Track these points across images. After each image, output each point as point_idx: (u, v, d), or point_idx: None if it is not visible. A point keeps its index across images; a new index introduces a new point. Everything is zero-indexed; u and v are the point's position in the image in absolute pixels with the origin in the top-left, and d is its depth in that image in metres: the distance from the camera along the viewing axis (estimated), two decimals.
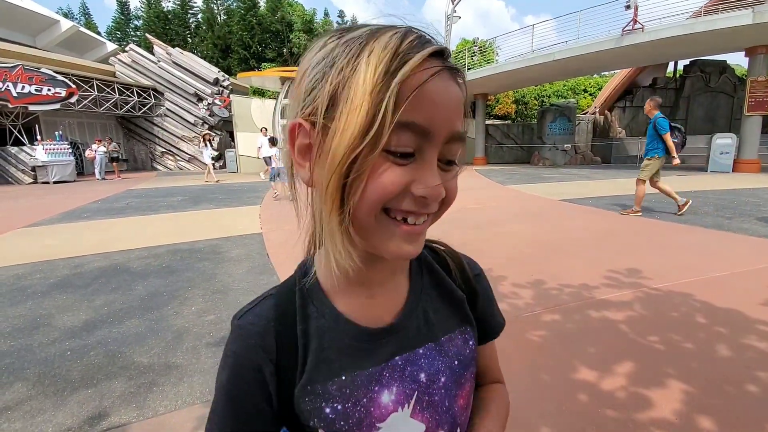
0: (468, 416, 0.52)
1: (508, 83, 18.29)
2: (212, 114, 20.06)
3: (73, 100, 16.10)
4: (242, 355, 0.43)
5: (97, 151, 15.92)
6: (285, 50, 37.43)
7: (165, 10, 40.10)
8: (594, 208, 6.88)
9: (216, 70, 20.94)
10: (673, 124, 5.82)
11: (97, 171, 16.10)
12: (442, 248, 0.56)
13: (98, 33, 34.67)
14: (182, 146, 20.67)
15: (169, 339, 2.62)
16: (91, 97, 17.24)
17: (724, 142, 11.90)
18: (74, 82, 16.24)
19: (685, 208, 5.99)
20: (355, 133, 0.33)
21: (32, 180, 15.01)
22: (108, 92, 18.08)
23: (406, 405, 0.44)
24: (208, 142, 14.01)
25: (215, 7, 39.72)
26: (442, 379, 0.47)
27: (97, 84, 17.57)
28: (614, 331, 2.55)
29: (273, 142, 10.29)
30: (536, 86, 25.84)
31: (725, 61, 17.74)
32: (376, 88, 0.33)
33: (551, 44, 15.23)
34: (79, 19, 42.47)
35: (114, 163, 16.52)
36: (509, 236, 5.15)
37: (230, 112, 18.56)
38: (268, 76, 15.77)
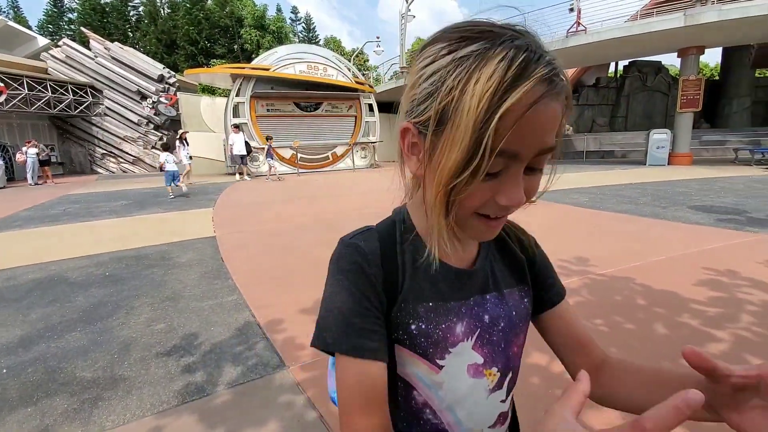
0: (519, 362, 0.59)
1: None
2: (158, 113, 18.96)
3: (1, 99, 14.72)
4: (362, 263, 0.51)
5: (28, 153, 14.61)
6: (236, 46, 36.07)
7: (102, 2, 37.37)
8: (543, 202, 7.20)
9: (160, 66, 19.78)
10: None
11: (29, 175, 14.78)
12: (514, 227, 0.64)
13: (29, 27, 31.77)
14: (125, 147, 19.38)
15: (114, 351, 2.45)
16: (21, 96, 15.77)
17: (659, 137, 12.87)
18: (2, 80, 14.83)
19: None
20: (457, 161, 0.40)
21: None
22: (40, 90, 16.60)
23: (471, 338, 0.53)
24: (184, 141, 13.16)
25: (158, 0, 37.57)
26: (501, 324, 0.55)
27: (27, 82, 16.08)
28: None
29: (165, 147, 9.93)
30: None
31: (660, 61, 19.17)
32: (478, 120, 0.37)
33: None
34: (7, 12, 38.73)
35: (45, 167, 15.22)
36: None
37: (178, 110, 17.66)
38: (218, 73, 15.10)
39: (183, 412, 1.86)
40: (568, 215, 6.02)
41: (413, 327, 0.51)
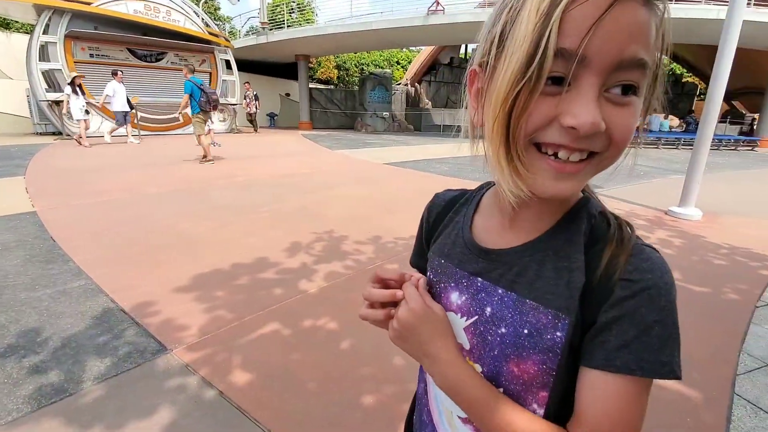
0: (519, 391, 0.45)
1: (330, 47, 18.35)
2: None
3: None
4: (427, 207, 0.64)
5: None
6: None
7: None
8: (414, 171, 7.78)
9: None
10: (203, 87, 7.33)
11: None
12: (621, 227, 0.44)
13: None
14: None
15: None
16: None
17: None
18: None
19: (207, 163, 7.74)
20: (516, 67, 0.34)
21: None
22: None
23: (466, 318, 0.50)
24: (78, 88, 9.82)
25: None
26: (502, 330, 0.45)
27: None
28: None
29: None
30: (355, 53, 26.75)
31: None
32: (540, 20, 0.33)
33: (368, 12, 15.82)
34: None
35: None
36: (344, 198, 5.39)
37: None
38: (15, 1, 11.53)
39: (43, 417, 1.54)
40: (437, 183, 6.64)
41: (430, 273, 0.56)
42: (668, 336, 0.38)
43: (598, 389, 0.40)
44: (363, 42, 16.98)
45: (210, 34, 14.09)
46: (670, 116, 15.05)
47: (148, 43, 12.84)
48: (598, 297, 0.41)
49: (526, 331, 0.43)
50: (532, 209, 0.45)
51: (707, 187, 5.98)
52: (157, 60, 13.47)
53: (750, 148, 14.25)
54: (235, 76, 15.20)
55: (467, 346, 0.49)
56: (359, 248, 3.49)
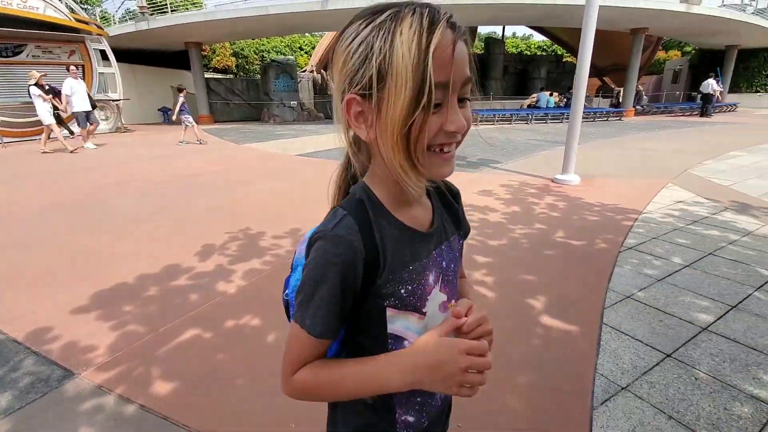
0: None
1: (224, 34, 17.19)
2: None
3: None
4: (345, 254, 0.54)
5: None
6: None
7: None
8: (327, 160, 7.77)
9: None
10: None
11: None
12: (446, 181, 0.72)
13: None
14: None
15: None
16: None
17: None
18: None
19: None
20: (408, 100, 0.46)
21: None
22: None
23: (438, 282, 0.63)
24: (40, 88, 8.20)
25: None
26: (452, 266, 0.67)
27: None
28: None
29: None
30: (254, 40, 25.37)
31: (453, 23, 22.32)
32: (413, 62, 0.45)
33: None
34: None
35: None
36: (257, 194, 5.24)
37: None
38: None
39: None
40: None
41: (403, 291, 0.58)
42: None
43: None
44: (260, 28, 16.14)
45: (77, 21, 12.32)
46: (555, 93, 16.82)
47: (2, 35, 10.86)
48: (460, 207, 0.75)
49: (457, 254, 0.70)
50: (419, 190, 0.64)
51: (584, 154, 6.92)
52: (15, 54, 11.51)
53: (618, 118, 16.54)
54: (114, 67, 13.52)
55: (446, 298, 0.65)
56: (277, 243, 3.47)
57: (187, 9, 17.09)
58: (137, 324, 2.27)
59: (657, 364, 1.89)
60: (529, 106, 16.30)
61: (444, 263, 0.65)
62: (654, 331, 2.15)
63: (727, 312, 2.31)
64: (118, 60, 13.70)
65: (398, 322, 0.60)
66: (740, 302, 2.41)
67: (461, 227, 0.73)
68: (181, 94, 10.32)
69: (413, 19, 0.46)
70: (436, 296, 0.63)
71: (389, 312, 0.59)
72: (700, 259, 3.02)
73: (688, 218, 3.98)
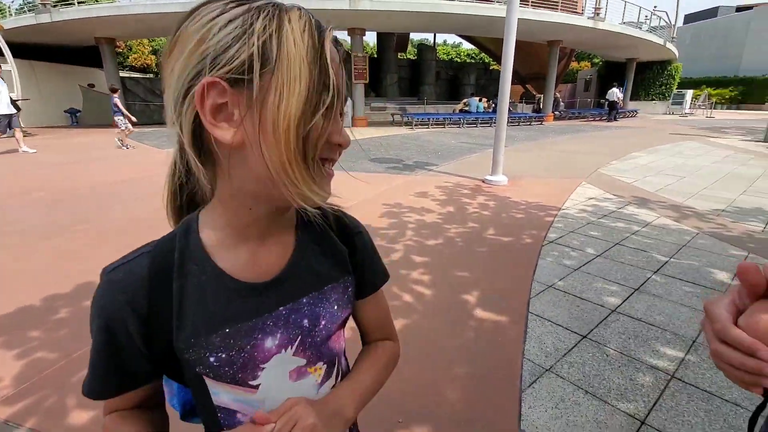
0: (344, 344, 0.60)
1: (140, 29, 15.79)
2: None
3: None
4: (110, 309, 0.44)
5: None
6: None
7: None
8: None
9: None
10: None
11: None
12: (328, 207, 0.57)
13: None
14: None
15: None
16: None
17: None
18: None
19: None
20: (302, 97, 0.37)
21: None
22: None
23: (290, 347, 0.50)
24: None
25: None
26: (323, 322, 0.53)
27: None
28: None
29: None
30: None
31: (335, 36, 22.35)
32: (308, 53, 0.38)
33: None
34: None
35: None
36: None
37: None
38: None
39: None
40: None
41: (212, 359, 0.45)
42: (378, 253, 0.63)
43: (374, 307, 0.64)
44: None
45: None
46: (483, 98, 17.80)
47: None
48: (351, 249, 0.59)
49: (336, 307, 0.55)
50: (280, 219, 0.51)
51: (511, 156, 7.40)
52: None
53: (540, 122, 17.91)
54: (11, 63, 12.02)
55: (304, 362, 0.51)
56: None
57: (96, 1, 15.60)
58: (47, 350, 2.04)
59: (575, 346, 2.09)
60: (460, 110, 17.11)
61: (307, 322, 0.51)
62: (572, 315, 2.37)
63: (632, 294, 2.61)
64: (15, 56, 12.18)
65: (223, 395, 0.48)
66: (641, 285, 2.74)
67: (348, 272, 0.57)
68: (115, 95, 9.68)
69: (301, 14, 0.39)
70: (283, 363, 0.49)
71: (208, 381, 0.47)
72: (609, 249, 3.38)
73: (599, 213, 4.43)
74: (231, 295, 0.46)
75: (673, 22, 21.80)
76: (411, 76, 23.43)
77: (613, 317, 2.35)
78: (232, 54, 0.37)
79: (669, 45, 20.11)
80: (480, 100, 17.20)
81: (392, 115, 17.48)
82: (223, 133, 0.39)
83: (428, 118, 15.64)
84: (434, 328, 2.27)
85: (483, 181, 5.99)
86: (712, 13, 36.92)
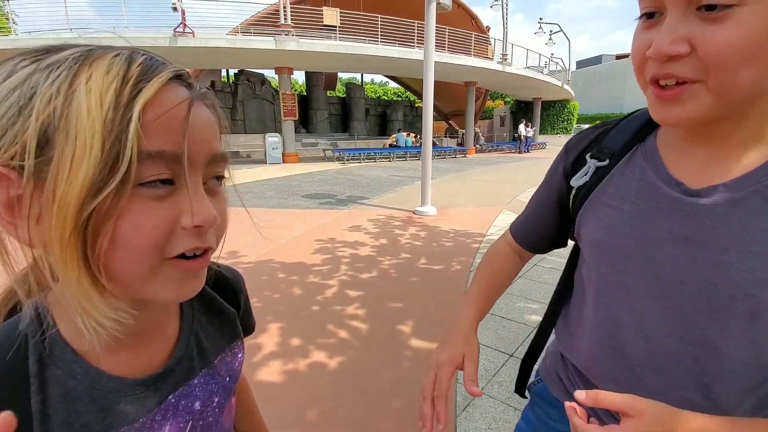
0: (233, 413, 0.55)
1: None
2: None
3: None
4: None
5: None
6: None
7: None
8: None
9: None
10: None
11: None
12: (213, 265, 0.51)
13: None
14: None
15: None
16: None
17: (273, 140, 15.27)
18: None
19: None
20: (89, 174, 0.29)
21: None
22: None
23: None
24: None
25: None
26: (216, 399, 0.47)
27: None
28: None
29: None
30: None
31: (263, 74, 22.37)
32: (108, 120, 0.29)
33: (95, 24, 13.34)
34: None
35: None
36: None
37: None
38: None
39: None
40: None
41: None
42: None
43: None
44: None
45: None
46: (411, 133, 18.76)
47: None
48: (239, 310, 0.57)
49: (228, 378, 0.50)
50: (158, 309, 0.43)
51: (438, 188, 7.81)
52: None
53: (463, 155, 19.19)
54: None
55: None
56: None
57: None
58: None
59: (503, 365, 2.20)
60: (390, 145, 17.82)
61: (198, 404, 0.45)
62: (499, 336, 2.50)
63: None
64: None
65: None
66: None
67: (238, 336, 0.53)
68: None
69: (115, 61, 0.31)
70: None
71: None
72: (528, 270, 3.66)
73: None
74: (111, 397, 0.38)
75: (567, 67, 25.06)
76: (341, 112, 24.10)
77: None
78: (11, 137, 0.30)
79: (566, 86, 22.98)
80: (408, 135, 18.07)
81: (324, 150, 17.65)
82: (20, 233, 0.31)
83: (359, 153, 16.04)
84: (370, 361, 2.26)
85: (414, 213, 6.21)
86: (597, 60, 43.06)
